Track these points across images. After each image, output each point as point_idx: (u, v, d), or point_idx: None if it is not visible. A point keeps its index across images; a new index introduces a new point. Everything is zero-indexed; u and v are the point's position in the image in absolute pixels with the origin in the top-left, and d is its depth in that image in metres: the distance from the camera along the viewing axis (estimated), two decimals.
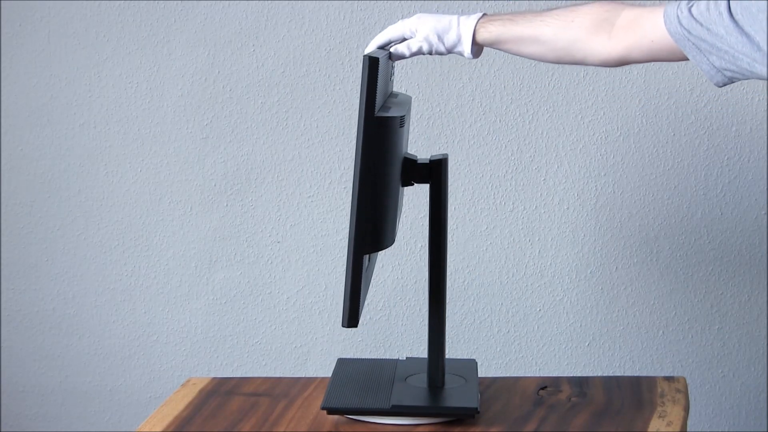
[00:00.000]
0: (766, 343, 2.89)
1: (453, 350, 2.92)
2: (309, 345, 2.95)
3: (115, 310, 2.96)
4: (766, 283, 2.87)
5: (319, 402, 2.05)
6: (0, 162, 2.91)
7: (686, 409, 2.06)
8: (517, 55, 1.97)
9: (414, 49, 1.99)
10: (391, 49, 2.00)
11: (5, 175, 2.92)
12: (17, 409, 3.00)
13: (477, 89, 2.84)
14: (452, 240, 2.88)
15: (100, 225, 2.93)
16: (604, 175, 2.86)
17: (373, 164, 1.78)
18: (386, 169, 1.83)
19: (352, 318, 1.79)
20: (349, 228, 1.79)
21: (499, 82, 2.83)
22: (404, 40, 2.01)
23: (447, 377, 2.06)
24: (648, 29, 1.83)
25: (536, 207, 2.88)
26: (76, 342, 2.97)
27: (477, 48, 1.99)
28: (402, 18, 2.82)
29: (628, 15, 1.85)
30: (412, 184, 2.00)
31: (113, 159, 2.91)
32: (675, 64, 2.81)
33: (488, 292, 2.91)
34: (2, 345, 2.98)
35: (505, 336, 2.93)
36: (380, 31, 2.07)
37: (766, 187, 2.84)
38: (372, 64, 1.75)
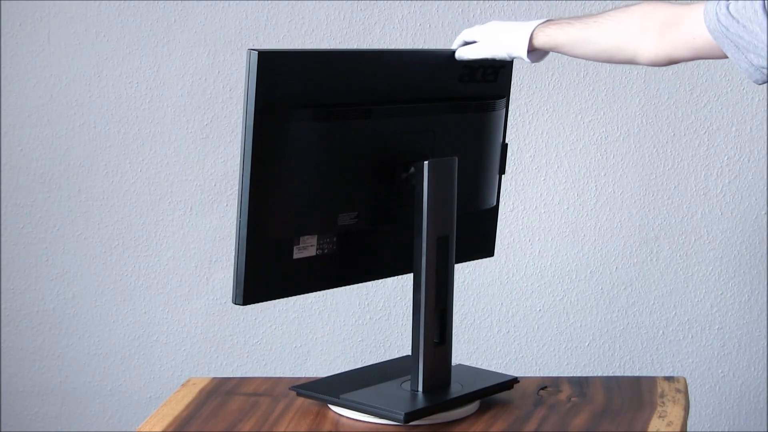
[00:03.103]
0: (766, 343, 2.89)
1: (453, 350, 2.91)
2: (309, 345, 2.95)
3: (115, 310, 2.96)
4: (766, 283, 2.87)
5: (318, 402, 2.05)
6: (0, 162, 2.91)
7: (686, 409, 2.06)
8: (575, 57, 1.99)
9: (477, 52, 2.02)
10: (456, 53, 2.04)
11: (5, 175, 2.92)
12: (17, 409, 3.00)
13: None
14: None
15: (100, 225, 2.93)
16: (604, 175, 2.86)
17: (256, 155, 1.85)
18: (272, 160, 1.87)
19: (237, 295, 1.91)
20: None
21: None
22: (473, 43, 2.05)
23: (453, 385, 2.05)
24: (689, 26, 1.84)
25: (536, 207, 2.88)
26: (76, 342, 2.97)
27: (539, 53, 2.01)
28: (404, 19, 2.83)
29: (672, 13, 1.87)
30: (392, 182, 1.99)
31: (113, 159, 2.91)
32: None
33: (488, 292, 2.91)
34: (2, 345, 2.98)
35: (505, 336, 2.93)
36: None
37: (766, 187, 2.84)
38: (251, 59, 1.83)
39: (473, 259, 2.21)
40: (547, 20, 1.99)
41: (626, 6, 1.93)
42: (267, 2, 2.84)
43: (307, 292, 2.02)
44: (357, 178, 1.96)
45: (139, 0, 2.85)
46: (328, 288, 2.05)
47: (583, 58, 1.99)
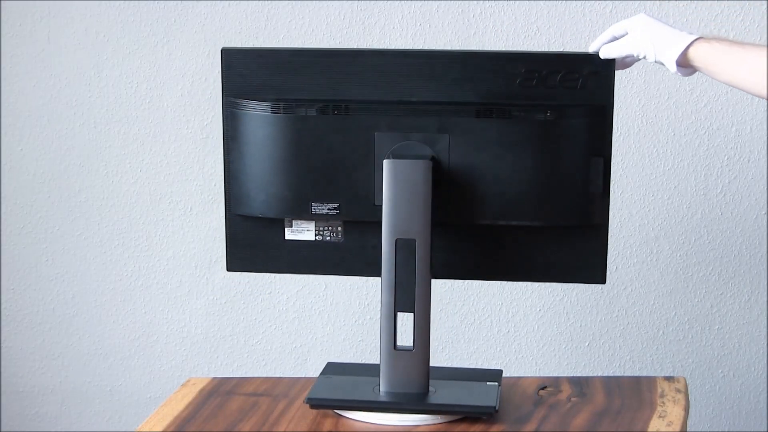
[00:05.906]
0: (766, 343, 2.89)
1: (453, 350, 2.92)
2: (309, 345, 2.95)
3: (115, 310, 2.96)
4: (766, 283, 2.87)
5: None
6: (0, 162, 2.91)
7: (686, 409, 2.06)
8: (726, 82, 1.90)
9: (623, 50, 1.94)
10: (601, 49, 1.96)
11: (5, 175, 2.92)
12: (17, 409, 3.01)
13: None
14: None
15: (100, 225, 2.93)
16: None
17: (229, 142, 2.05)
18: (240, 145, 2.04)
19: (227, 263, 2.10)
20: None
21: None
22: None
23: (429, 393, 2.04)
24: None
25: None
26: (76, 342, 2.97)
27: (688, 69, 1.93)
28: (404, 19, 2.83)
29: None
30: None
31: (113, 159, 2.91)
32: None
33: (488, 292, 2.91)
34: (2, 345, 2.98)
35: (505, 336, 2.93)
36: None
37: (766, 187, 2.84)
38: (221, 56, 2.06)
39: (580, 282, 2.07)
40: (703, 37, 1.91)
41: None
42: (267, 2, 2.84)
43: (299, 273, 2.11)
44: (334, 171, 2.00)
45: (139, 0, 2.85)
46: (324, 274, 2.10)
47: (731, 84, 1.89)
